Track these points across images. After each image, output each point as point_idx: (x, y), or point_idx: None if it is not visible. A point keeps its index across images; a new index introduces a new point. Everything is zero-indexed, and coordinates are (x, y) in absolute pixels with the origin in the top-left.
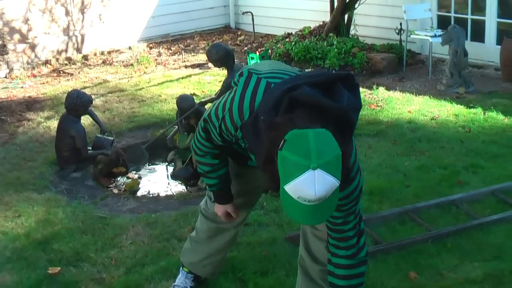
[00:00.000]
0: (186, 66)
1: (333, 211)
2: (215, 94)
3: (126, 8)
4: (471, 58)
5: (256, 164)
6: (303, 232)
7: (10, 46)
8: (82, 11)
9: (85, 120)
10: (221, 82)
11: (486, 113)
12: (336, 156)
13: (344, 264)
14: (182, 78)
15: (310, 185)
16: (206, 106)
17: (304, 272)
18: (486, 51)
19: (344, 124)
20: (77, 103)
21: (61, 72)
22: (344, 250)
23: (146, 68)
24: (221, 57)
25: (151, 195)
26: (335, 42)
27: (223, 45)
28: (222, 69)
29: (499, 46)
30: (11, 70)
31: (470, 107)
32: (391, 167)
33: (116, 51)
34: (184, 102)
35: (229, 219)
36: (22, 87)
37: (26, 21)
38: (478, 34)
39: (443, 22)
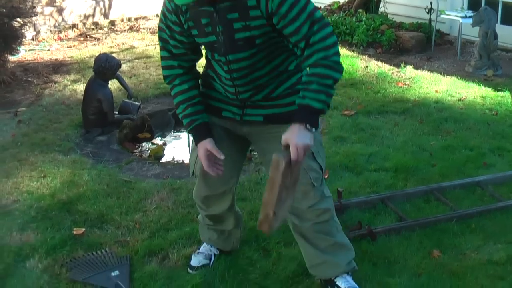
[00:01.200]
0: None
1: None
2: None
3: None
4: (501, 42)
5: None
6: None
7: (37, 9)
8: None
9: (112, 84)
10: None
11: None
12: None
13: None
14: None
15: None
16: None
17: (299, 235)
18: None
19: None
20: (106, 66)
21: (88, 36)
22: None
23: None
24: None
25: (175, 162)
26: (363, 19)
27: None
28: None
29: None
30: (37, 32)
31: (498, 90)
32: (417, 146)
33: (144, 17)
34: None
35: (209, 164)
36: (48, 50)
37: None
38: (509, 17)
39: (473, 3)
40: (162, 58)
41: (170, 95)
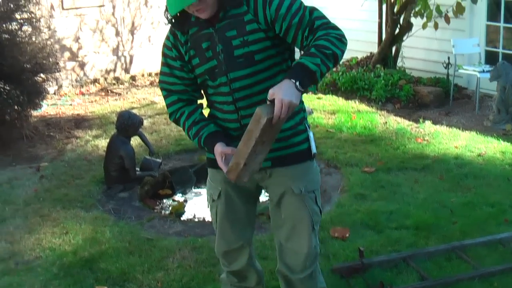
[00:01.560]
0: None
1: None
2: None
3: None
4: None
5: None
6: (279, 245)
7: (60, 63)
8: (132, 32)
9: (133, 141)
10: None
11: None
12: None
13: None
14: None
15: None
16: None
17: (285, 282)
18: None
19: None
20: (128, 124)
21: (109, 91)
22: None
23: None
24: None
25: (197, 219)
26: (382, 74)
27: None
28: None
29: None
30: (60, 87)
31: None
32: (437, 203)
33: None
34: None
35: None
36: (71, 105)
37: (77, 39)
38: None
39: (491, 57)
40: (164, 97)
41: (191, 151)
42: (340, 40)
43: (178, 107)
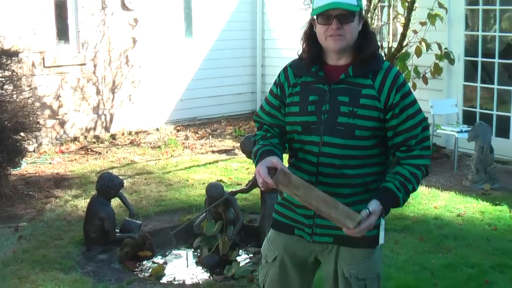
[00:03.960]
0: (213, 151)
1: (353, 7)
2: (246, 185)
3: (155, 90)
4: (497, 154)
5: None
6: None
7: (40, 121)
8: (112, 91)
9: (114, 201)
10: (248, 170)
11: None
12: None
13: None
14: (209, 163)
15: None
16: (236, 197)
17: None
18: (511, 147)
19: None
20: (109, 185)
21: (89, 150)
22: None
23: (174, 151)
24: None
25: (176, 282)
26: None
27: None
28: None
29: None
30: (39, 145)
31: (496, 204)
32: (418, 264)
33: (144, 132)
34: (214, 190)
35: (264, 182)
36: (50, 163)
37: (57, 97)
38: (504, 130)
39: (468, 117)
40: (257, 128)
41: (171, 212)
42: (426, 174)
43: (263, 135)
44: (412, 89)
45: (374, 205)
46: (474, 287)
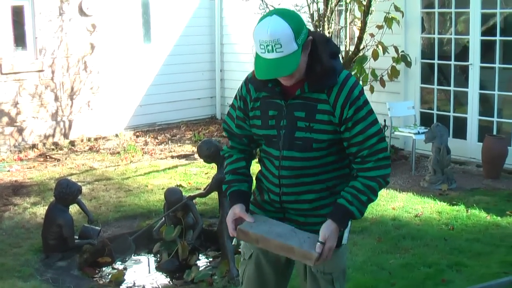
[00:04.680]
0: (172, 157)
1: (289, 71)
2: (204, 189)
3: (114, 96)
4: (453, 155)
5: None
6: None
7: None
8: (71, 97)
9: (72, 208)
10: (208, 174)
11: (469, 211)
12: (297, 17)
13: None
14: (169, 168)
15: (265, 25)
16: (195, 201)
17: None
18: (468, 148)
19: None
20: (67, 192)
21: (48, 157)
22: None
23: (133, 157)
24: (212, 153)
25: (136, 287)
26: None
27: (214, 142)
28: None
29: (481, 143)
30: None
31: (453, 204)
32: (376, 265)
33: (103, 138)
34: (173, 195)
35: (234, 228)
36: (8, 171)
37: (15, 104)
38: (460, 131)
39: (426, 119)
40: (227, 137)
41: (130, 218)
42: (384, 184)
43: (230, 149)
44: (370, 92)
45: (324, 231)
46: (431, 286)
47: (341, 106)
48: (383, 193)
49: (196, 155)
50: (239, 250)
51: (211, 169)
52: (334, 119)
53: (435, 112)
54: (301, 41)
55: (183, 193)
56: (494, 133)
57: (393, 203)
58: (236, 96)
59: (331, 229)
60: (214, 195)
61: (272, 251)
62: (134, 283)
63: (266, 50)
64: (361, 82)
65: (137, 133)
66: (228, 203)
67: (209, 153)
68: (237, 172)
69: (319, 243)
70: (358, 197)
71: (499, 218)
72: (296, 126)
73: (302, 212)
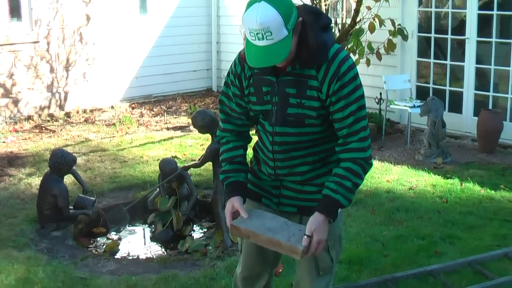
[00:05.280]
0: (168, 128)
1: (281, 58)
2: (198, 159)
3: (110, 67)
4: (449, 129)
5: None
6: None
7: None
8: (66, 68)
9: (67, 178)
10: (203, 146)
11: (463, 184)
12: (284, 0)
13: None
14: (164, 140)
15: (253, 13)
16: (189, 172)
17: None
18: (463, 122)
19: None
20: (61, 162)
21: (43, 128)
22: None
23: (128, 128)
24: (206, 123)
25: (131, 257)
26: None
27: (208, 112)
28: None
29: (476, 118)
30: None
31: (447, 178)
32: (369, 236)
33: (99, 109)
34: (167, 165)
35: (231, 219)
36: (4, 142)
37: (11, 76)
38: (456, 105)
39: (422, 93)
40: (220, 119)
41: (125, 189)
42: (371, 163)
43: (227, 135)
44: (366, 65)
45: (311, 224)
46: (424, 258)
47: (328, 82)
48: (377, 165)
49: (192, 127)
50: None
51: (206, 141)
52: (321, 95)
53: (431, 86)
54: (291, 25)
55: (178, 164)
56: (490, 107)
57: (387, 175)
58: (229, 74)
59: (318, 221)
60: (209, 166)
61: (263, 246)
62: (129, 253)
63: (256, 38)
64: (357, 55)
65: (133, 105)
66: (225, 191)
67: (203, 123)
68: (234, 161)
69: (305, 237)
70: (342, 183)
71: (493, 192)
72: (288, 102)
73: (298, 182)
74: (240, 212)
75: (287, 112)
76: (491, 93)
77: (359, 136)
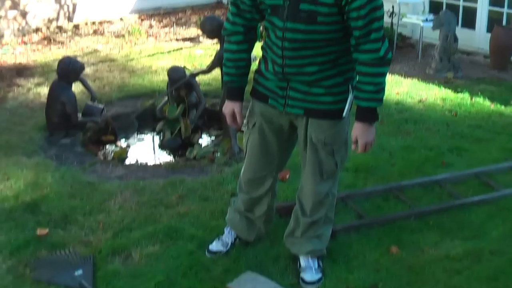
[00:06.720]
0: (177, 39)
1: None
2: (207, 67)
3: None
4: (461, 45)
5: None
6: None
7: (1, 12)
8: None
9: (76, 87)
10: (212, 56)
11: (473, 99)
12: None
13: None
14: (173, 50)
15: None
16: (197, 79)
17: (295, 221)
18: (476, 38)
19: None
20: (69, 69)
21: (52, 40)
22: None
23: (137, 39)
24: (214, 28)
25: (139, 164)
26: None
27: (217, 18)
28: (215, 43)
29: (489, 34)
30: (1, 36)
31: (458, 92)
32: (377, 146)
33: (108, 22)
34: (175, 73)
35: (233, 122)
36: (12, 53)
37: None
38: (469, 21)
39: (435, 7)
40: (230, 12)
41: (133, 97)
42: (385, 65)
43: (234, 31)
44: None
45: (354, 131)
46: (431, 168)
47: None
48: (388, 78)
49: (202, 38)
50: (242, 129)
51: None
52: None
53: (444, 0)
54: None
55: (187, 73)
56: (504, 24)
57: (397, 88)
58: None
59: (358, 128)
60: (217, 76)
61: None
62: (137, 160)
63: None
64: None
65: (142, 17)
66: (225, 91)
67: (212, 28)
68: (239, 65)
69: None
70: (364, 89)
71: (503, 107)
72: None
73: (305, 83)
74: (237, 118)
75: (300, 8)
76: (505, 10)
77: (372, 37)
